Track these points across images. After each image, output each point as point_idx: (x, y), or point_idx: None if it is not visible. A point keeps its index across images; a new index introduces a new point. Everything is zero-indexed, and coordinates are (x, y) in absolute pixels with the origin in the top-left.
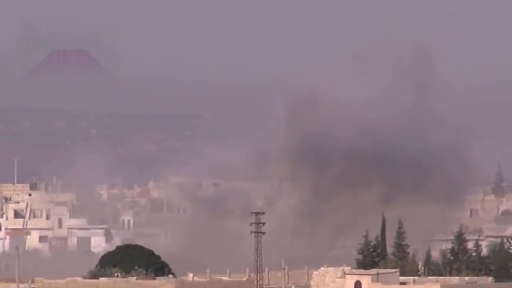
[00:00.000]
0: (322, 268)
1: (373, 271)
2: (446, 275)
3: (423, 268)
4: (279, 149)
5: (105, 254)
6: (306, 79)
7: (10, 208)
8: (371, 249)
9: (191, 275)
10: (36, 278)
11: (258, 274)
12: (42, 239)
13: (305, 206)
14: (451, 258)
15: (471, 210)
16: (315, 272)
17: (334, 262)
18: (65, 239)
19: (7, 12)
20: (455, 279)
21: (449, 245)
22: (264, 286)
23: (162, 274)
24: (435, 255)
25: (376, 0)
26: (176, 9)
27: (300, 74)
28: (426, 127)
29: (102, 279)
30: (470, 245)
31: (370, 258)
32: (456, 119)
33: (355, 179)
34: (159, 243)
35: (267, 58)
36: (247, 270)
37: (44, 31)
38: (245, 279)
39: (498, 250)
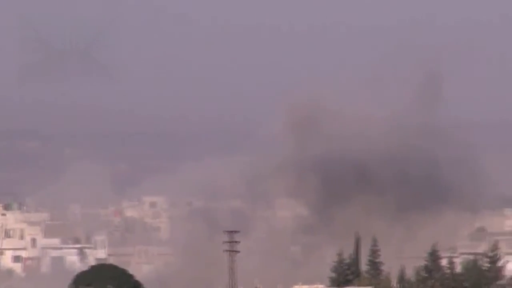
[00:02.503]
0: (295, 286)
1: None
2: None
3: (397, 285)
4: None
5: (79, 273)
6: (309, 94)
7: None
8: (345, 267)
9: None
10: None
11: None
12: (15, 259)
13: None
14: (425, 275)
15: (446, 227)
16: None
17: (308, 280)
18: (38, 258)
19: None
20: None
21: (422, 262)
22: None
23: None
24: (409, 272)
25: (387, 16)
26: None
27: (302, 88)
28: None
29: None
30: (444, 262)
31: (344, 276)
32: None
33: (335, 198)
34: (133, 263)
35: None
36: None
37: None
38: None
39: (471, 267)
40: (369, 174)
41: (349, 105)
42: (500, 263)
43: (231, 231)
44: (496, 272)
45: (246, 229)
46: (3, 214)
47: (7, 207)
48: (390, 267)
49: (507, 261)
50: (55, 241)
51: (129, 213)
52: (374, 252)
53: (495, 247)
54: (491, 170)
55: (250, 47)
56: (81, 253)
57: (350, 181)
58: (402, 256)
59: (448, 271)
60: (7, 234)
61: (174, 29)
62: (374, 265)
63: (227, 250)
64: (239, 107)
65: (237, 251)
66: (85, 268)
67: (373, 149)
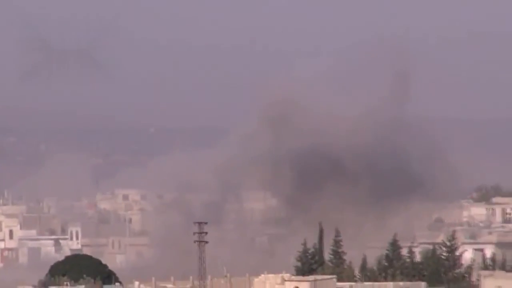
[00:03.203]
0: (262, 275)
1: (311, 277)
2: (381, 281)
3: (359, 274)
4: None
5: (54, 264)
6: (284, 92)
7: None
8: (309, 257)
9: (137, 283)
10: None
11: (202, 282)
12: None
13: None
14: (386, 264)
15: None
16: (256, 279)
17: (274, 269)
18: (16, 249)
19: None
20: (390, 284)
21: (384, 252)
22: None
23: (109, 283)
24: (371, 261)
25: (361, 18)
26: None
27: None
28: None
29: (51, 287)
30: (404, 251)
31: (309, 265)
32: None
33: (307, 190)
34: (106, 253)
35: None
36: (191, 277)
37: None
38: (189, 286)
39: (430, 256)
40: (341, 167)
41: (322, 102)
42: (457, 252)
43: (200, 222)
44: (453, 261)
45: (217, 220)
46: None
47: None
48: (353, 255)
49: (465, 250)
50: (32, 233)
51: (103, 205)
52: (337, 242)
53: (452, 237)
54: (455, 163)
55: (229, 49)
56: (57, 244)
57: (323, 174)
58: (365, 246)
59: (408, 260)
60: None
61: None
62: (337, 254)
63: (196, 241)
64: (216, 105)
65: (206, 242)
66: (60, 258)
67: (345, 143)
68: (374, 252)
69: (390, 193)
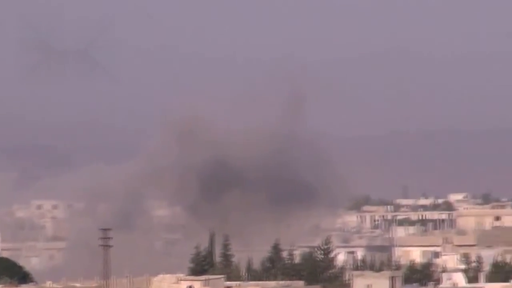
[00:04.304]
0: (160, 275)
1: (203, 277)
2: (264, 280)
3: (245, 274)
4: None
5: None
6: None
7: None
8: (201, 259)
9: (49, 282)
10: None
11: (106, 281)
12: None
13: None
14: (269, 265)
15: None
16: (154, 279)
17: (170, 270)
18: None
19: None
20: (272, 283)
21: (267, 254)
22: None
23: (25, 282)
24: (256, 263)
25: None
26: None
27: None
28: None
29: None
30: (285, 254)
31: (201, 266)
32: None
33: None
34: (22, 256)
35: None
36: (96, 277)
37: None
38: (95, 285)
39: (308, 258)
40: (241, 177)
41: (224, 118)
42: (332, 255)
43: (105, 229)
44: (328, 262)
45: (124, 226)
46: None
47: None
48: (240, 257)
49: (338, 253)
50: None
51: (19, 214)
52: (225, 246)
53: (327, 241)
54: (335, 175)
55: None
56: None
57: (224, 183)
58: (252, 249)
59: (288, 261)
60: None
61: None
62: (226, 257)
63: (101, 245)
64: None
65: (111, 246)
66: None
67: (244, 155)
68: (260, 255)
69: (281, 201)
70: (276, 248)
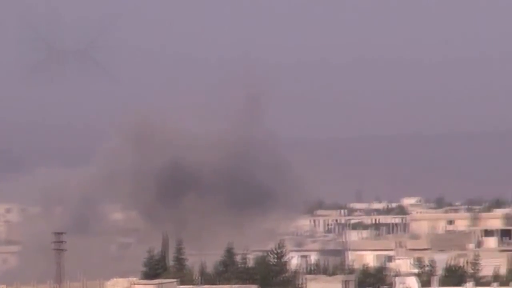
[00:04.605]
0: (113, 279)
1: (156, 281)
2: (218, 284)
3: (199, 277)
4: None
5: None
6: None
7: None
8: (155, 263)
9: (2, 286)
10: None
11: (59, 285)
12: None
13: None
14: (222, 269)
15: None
16: (107, 282)
17: (124, 274)
18: None
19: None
20: (226, 287)
21: (220, 258)
22: None
23: None
24: (210, 266)
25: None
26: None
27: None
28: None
29: None
30: (239, 258)
31: (154, 270)
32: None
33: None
34: None
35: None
36: (49, 281)
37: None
38: None
39: (261, 262)
40: (199, 181)
41: (182, 122)
42: (285, 259)
43: (59, 233)
44: (281, 266)
45: (79, 230)
46: None
47: None
48: (193, 261)
49: (291, 257)
50: None
51: None
52: (179, 250)
53: (281, 245)
54: (291, 179)
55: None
56: None
57: (181, 187)
58: (205, 253)
59: (242, 265)
60: None
61: None
62: (179, 260)
63: (54, 249)
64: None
65: (64, 249)
66: None
67: (203, 159)
68: (214, 258)
69: (238, 205)
70: (230, 252)
